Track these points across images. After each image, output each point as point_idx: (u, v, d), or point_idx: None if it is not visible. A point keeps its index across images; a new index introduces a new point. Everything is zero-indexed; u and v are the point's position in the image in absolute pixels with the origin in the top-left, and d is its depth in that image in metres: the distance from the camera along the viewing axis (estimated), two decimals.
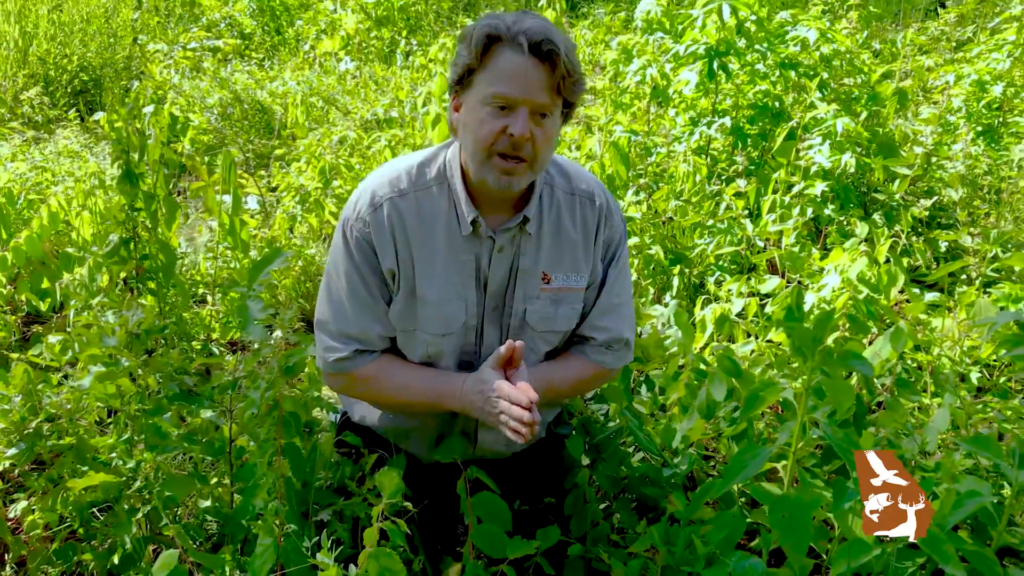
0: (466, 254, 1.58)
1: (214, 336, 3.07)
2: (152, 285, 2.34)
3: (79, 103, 6.67)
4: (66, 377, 2.00)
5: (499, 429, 1.50)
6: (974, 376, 2.63)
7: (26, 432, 1.72)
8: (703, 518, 1.64)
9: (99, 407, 1.93)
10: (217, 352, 2.84)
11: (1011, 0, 6.65)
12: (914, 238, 3.46)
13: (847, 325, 2.49)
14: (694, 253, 3.46)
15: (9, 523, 1.84)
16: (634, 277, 3.25)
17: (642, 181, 3.67)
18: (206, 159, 4.72)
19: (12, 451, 1.71)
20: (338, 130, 4.62)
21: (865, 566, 1.27)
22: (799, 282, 2.82)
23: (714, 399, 1.82)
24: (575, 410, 1.95)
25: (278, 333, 1.48)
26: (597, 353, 1.71)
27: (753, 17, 4.07)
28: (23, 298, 3.00)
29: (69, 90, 6.74)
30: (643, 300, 3.21)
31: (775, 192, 3.58)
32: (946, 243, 3.58)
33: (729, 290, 3.03)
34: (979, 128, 4.45)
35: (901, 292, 2.67)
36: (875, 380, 2.04)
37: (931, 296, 2.76)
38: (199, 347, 2.73)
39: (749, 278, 3.04)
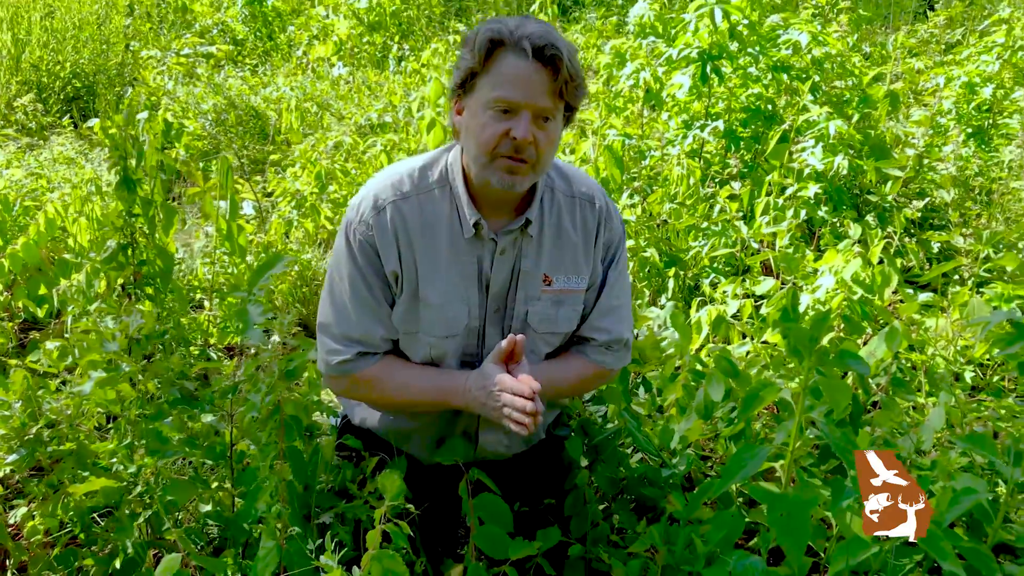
0: (468, 256, 1.60)
1: (212, 341, 3.07)
2: (150, 291, 2.34)
3: (72, 110, 6.66)
4: (64, 383, 2.00)
5: (502, 423, 1.51)
6: (968, 375, 2.66)
7: (26, 438, 1.72)
8: (701, 518, 1.66)
9: (99, 413, 1.93)
10: (215, 357, 2.84)
11: (999, 2, 6.71)
12: (907, 239, 3.49)
13: (842, 326, 2.51)
14: (689, 255, 3.48)
15: (9, 529, 1.83)
16: (630, 279, 3.26)
17: (636, 184, 3.69)
18: (200, 165, 4.72)
19: (12, 457, 1.71)
20: (333, 135, 4.63)
21: (863, 564, 1.28)
22: (794, 283, 2.84)
23: (712, 399, 1.83)
24: (574, 412, 1.96)
25: (276, 337, 1.48)
26: (597, 353, 1.73)
27: (745, 21, 4.09)
28: (20, 305, 2.99)
29: (62, 97, 6.74)
30: (639, 302, 3.22)
31: (769, 194, 3.60)
32: (938, 244, 3.61)
33: (724, 292, 3.05)
34: (969, 130, 4.48)
35: (895, 293, 2.69)
36: (870, 380, 2.06)
37: (924, 296, 2.79)
38: (197, 352, 2.72)
39: (744, 280, 3.06)
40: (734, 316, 2.90)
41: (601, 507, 1.91)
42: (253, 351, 1.53)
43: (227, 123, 5.61)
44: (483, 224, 1.57)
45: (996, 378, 2.79)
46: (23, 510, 1.80)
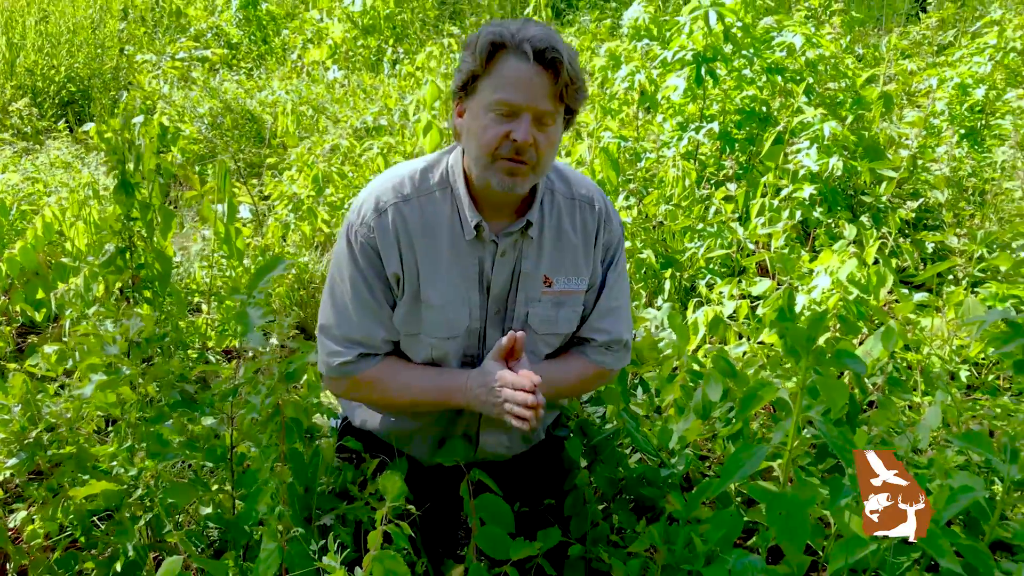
0: (469, 258, 1.61)
1: (210, 344, 3.08)
2: (148, 294, 2.34)
3: (67, 114, 6.65)
4: (63, 387, 2.00)
5: (504, 419, 1.52)
6: (964, 374, 2.67)
7: (26, 442, 1.72)
8: (700, 517, 1.66)
9: (98, 416, 1.93)
10: (213, 360, 2.84)
11: (990, 4, 6.75)
12: (901, 239, 3.50)
13: (838, 326, 2.52)
14: (685, 257, 3.49)
15: (10, 533, 1.83)
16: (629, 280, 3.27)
17: (632, 186, 3.70)
18: (197, 169, 4.72)
19: (12, 461, 1.70)
20: (330, 138, 4.63)
21: (861, 562, 1.29)
22: (789, 284, 2.85)
23: (710, 400, 1.84)
24: (573, 412, 1.97)
25: (275, 340, 1.48)
26: (597, 354, 1.74)
27: (739, 23, 4.11)
28: (17, 309, 2.99)
29: (57, 101, 6.73)
30: (635, 304, 3.23)
31: (764, 196, 3.61)
32: (933, 244, 3.63)
33: (720, 293, 3.06)
34: (962, 131, 4.51)
35: (890, 293, 2.71)
36: (867, 379, 2.07)
37: (920, 296, 2.80)
38: (195, 355, 2.73)
39: (740, 280, 3.07)
40: (730, 317, 2.91)
41: (601, 507, 1.92)
42: (252, 354, 1.53)
43: (223, 127, 5.61)
44: (484, 226, 1.58)
45: (991, 377, 2.80)
46: (23, 514, 1.80)
